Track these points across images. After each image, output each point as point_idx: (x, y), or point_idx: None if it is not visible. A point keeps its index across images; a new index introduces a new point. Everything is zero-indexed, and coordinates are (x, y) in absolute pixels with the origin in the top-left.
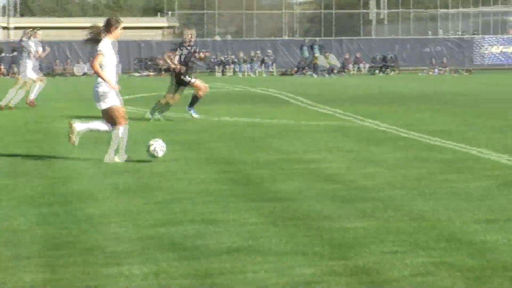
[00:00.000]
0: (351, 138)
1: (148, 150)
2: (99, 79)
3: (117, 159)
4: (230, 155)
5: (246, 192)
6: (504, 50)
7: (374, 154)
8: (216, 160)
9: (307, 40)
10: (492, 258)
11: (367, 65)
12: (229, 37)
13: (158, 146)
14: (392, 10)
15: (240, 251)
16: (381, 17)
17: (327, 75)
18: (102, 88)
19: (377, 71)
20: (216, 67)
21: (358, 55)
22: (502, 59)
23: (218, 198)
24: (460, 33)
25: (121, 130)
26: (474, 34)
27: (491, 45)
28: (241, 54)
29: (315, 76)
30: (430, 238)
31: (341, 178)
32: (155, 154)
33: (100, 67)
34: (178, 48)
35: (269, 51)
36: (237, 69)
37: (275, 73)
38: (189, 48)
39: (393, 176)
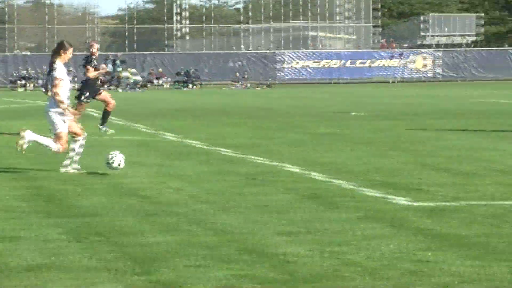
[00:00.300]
0: (155, 153)
1: (110, 166)
2: (53, 103)
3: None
4: (32, 170)
5: (48, 208)
6: (305, 64)
7: (177, 168)
8: (17, 176)
9: (111, 55)
10: (293, 270)
11: (171, 80)
12: (28, 52)
13: (119, 159)
14: (196, 25)
15: (41, 268)
16: (184, 32)
17: (129, 90)
18: (54, 113)
19: (181, 86)
20: (18, 81)
21: (161, 70)
22: (304, 74)
23: (19, 214)
24: (262, 48)
25: (55, 148)
26: (276, 49)
27: (292, 60)
28: (44, 69)
29: (120, 90)
30: (233, 251)
31: (145, 193)
32: (118, 166)
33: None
34: (91, 62)
35: (70, 66)
36: (38, 84)
37: (77, 88)
38: (95, 63)
39: (196, 190)
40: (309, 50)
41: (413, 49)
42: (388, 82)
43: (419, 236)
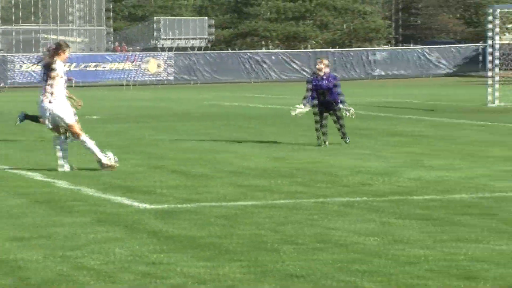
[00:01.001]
0: None
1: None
2: (55, 97)
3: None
4: None
5: None
6: (37, 68)
7: None
8: None
9: None
10: (25, 275)
11: None
12: None
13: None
14: None
15: None
16: None
17: None
18: (52, 107)
19: None
20: None
21: None
22: (36, 77)
23: None
24: None
25: (85, 139)
26: (7, 52)
27: (24, 63)
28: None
29: None
30: None
31: None
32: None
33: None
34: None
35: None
36: None
37: None
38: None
39: None
40: (41, 53)
41: (146, 52)
42: (122, 85)
43: (153, 239)
